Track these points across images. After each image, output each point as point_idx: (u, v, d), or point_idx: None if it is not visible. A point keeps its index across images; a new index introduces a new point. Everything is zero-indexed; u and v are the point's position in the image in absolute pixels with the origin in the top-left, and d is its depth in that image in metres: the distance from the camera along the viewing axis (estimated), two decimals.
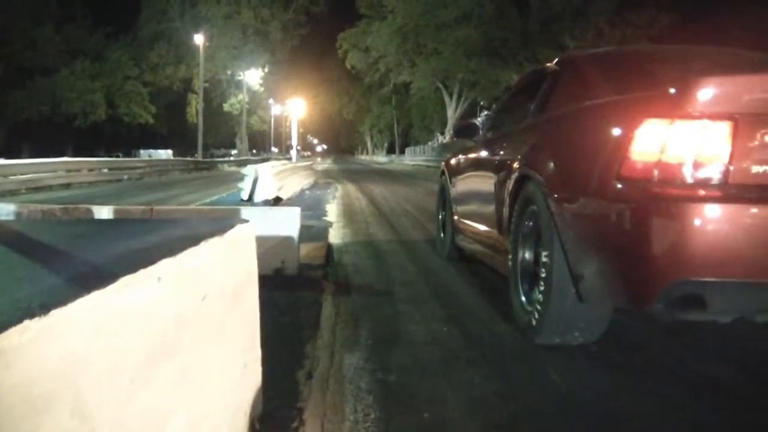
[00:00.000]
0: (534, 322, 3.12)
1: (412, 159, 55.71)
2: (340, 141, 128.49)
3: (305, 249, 5.28)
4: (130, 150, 56.66)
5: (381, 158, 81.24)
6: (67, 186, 19.52)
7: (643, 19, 32.44)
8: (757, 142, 2.35)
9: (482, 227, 4.46)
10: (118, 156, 46.24)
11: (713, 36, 20.07)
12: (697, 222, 2.30)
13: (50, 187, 18.42)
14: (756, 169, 2.35)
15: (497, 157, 4.22)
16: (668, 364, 2.98)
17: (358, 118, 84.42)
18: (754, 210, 2.31)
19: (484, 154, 4.68)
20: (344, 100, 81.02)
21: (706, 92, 2.36)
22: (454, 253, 5.55)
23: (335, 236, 7.38)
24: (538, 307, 3.08)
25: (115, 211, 4.93)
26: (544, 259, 3.08)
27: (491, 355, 3.05)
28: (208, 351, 1.67)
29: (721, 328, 3.24)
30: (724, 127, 2.34)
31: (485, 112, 34.31)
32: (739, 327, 2.80)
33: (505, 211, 3.75)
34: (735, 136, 2.33)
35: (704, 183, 2.37)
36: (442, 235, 6.02)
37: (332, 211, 10.78)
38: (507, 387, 2.63)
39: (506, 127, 4.57)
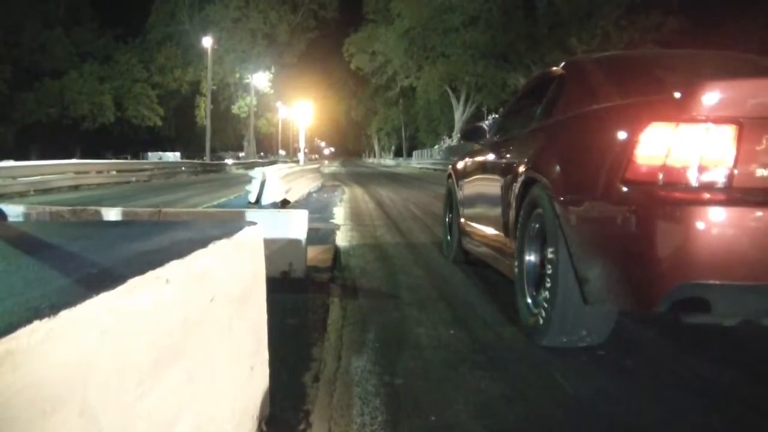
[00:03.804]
0: (539, 325, 3.13)
1: (419, 162, 55.76)
2: (347, 144, 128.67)
3: (312, 252, 5.28)
4: (138, 152, 56.83)
5: (388, 161, 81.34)
6: (76, 188, 19.62)
7: (651, 23, 32.34)
8: (761, 146, 2.36)
9: (489, 230, 4.46)
10: (126, 158, 46.38)
11: (720, 40, 20.04)
12: (701, 225, 2.31)
13: (59, 189, 18.52)
14: (760, 172, 2.36)
15: (504, 161, 4.23)
16: (673, 367, 2.97)
17: (366, 120, 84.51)
18: (758, 213, 2.32)
19: (491, 157, 4.68)
20: (352, 103, 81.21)
21: (711, 96, 2.37)
22: (461, 256, 5.55)
23: (342, 239, 7.38)
24: (544, 310, 3.09)
25: (124, 213, 4.95)
26: (549, 263, 3.10)
27: (497, 359, 3.05)
28: (216, 353, 1.67)
29: (724, 331, 3.25)
30: (729, 131, 2.35)
31: (492, 115, 34.26)
32: (742, 329, 2.80)
33: (512, 213, 3.76)
34: (739, 140, 2.34)
35: (709, 186, 2.38)
36: (448, 237, 6.02)
37: (339, 214, 10.78)
38: (513, 390, 2.62)
39: (513, 130, 4.57)
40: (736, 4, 28.21)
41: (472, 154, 5.41)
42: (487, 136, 5.11)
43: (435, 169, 39.30)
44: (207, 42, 44.98)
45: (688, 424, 2.37)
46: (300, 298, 4.07)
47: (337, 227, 8.59)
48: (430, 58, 44.95)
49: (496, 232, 4.23)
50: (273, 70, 60.07)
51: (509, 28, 37.58)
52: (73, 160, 25.03)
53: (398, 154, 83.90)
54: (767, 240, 2.32)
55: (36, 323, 0.94)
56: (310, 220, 5.05)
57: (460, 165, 5.74)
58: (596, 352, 3.06)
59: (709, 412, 2.47)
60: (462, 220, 5.40)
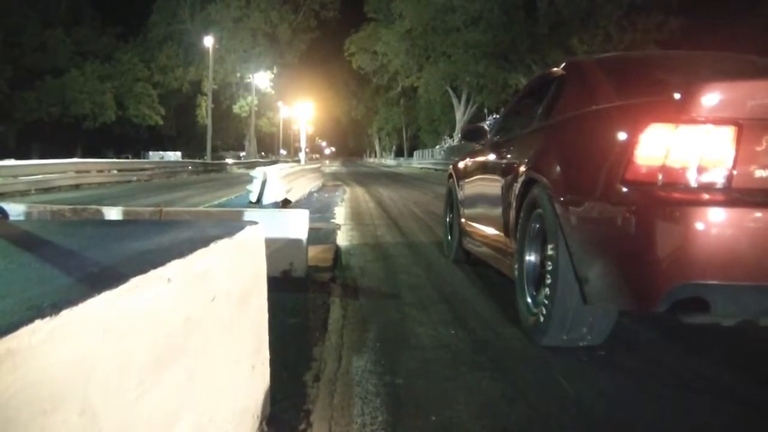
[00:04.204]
0: (539, 324, 3.15)
1: (420, 162, 55.75)
2: (348, 144, 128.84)
3: (313, 251, 5.28)
4: (139, 151, 56.87)
5: (389, 161, 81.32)
6: (77, 187, 19.62)
7: (652, 23, 32.29)
8: (760, 147, 2.39)
9: (489, 230, 4.47)
10: (127, 157, 46.40)
11: (721, 40, 20.02)
12: (700, 225, 2.33)
13: (59, 188, 18.53)
14: (759, 173, 2.39)
15: (504, 161, 4.24)
16: (674, 368, 2.97)
17: (367, 120, 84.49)
18: (757, 214, 2.34)
19: (491, 157, 4.69)
20: (353, 103, 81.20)
21: (710, 98, 2.39)
22: (462, 256, 5.55)
23: (343, 239, 7.38)
24: (544, 309, 3.11)
25: (124, 213, 4.95)
26: (549, 262, 3.11)
27: (498, 359, 3.04)
28: (216, 353, 1.67)
29: (725, 331, 3.26)
30: (728, 132, 2.38)
31: (494, 116, 34.26)
32: (743, 330, 2.86)
33: (512, 214, 3.77)
34: (738, 141, 2.37)
35: (708, 187, 2.41)
36: (449, 237, 6.03)
37: (340, 214, 10.78)
38: (514, 390, 2.62)
39: (513, 130, 4.59)
40: (737, 4, 28.20)
41: (472, 155, 5.41)
42: (488, 136, 5.12)
43: (436, 169, 39.31)
44: (208, 41, 44.93)
45: (689, 424, 2.36)
46: (301, 297, 4.07)
47: (338, 227, 8.59)
48: (432, 58, 44.91)
49: (496, 232, 4.24)
50: (274, 69, 60.07)
51: (510, 28, 37.51)
52: (74, 159, 25.00)
53: (399, 153, 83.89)
54: (766, 241, 2.34)
55: (37, 322, 0.94)
56: (311, 220, 5.06)
57: (460, 165, 5.74)
58: (597, 352, 3.07)
59: (710, 412, 2.47)
60: (463, 220, 5.41)
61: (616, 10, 32.98)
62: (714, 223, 2.33)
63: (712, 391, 2.70)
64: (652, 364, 3.05)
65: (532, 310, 3.35)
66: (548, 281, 3.10)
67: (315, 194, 16.28)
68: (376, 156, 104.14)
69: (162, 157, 47.94)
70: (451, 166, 6.22)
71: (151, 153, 54.50)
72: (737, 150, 2.37)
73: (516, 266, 3.63)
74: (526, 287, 3.48)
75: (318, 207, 11.97)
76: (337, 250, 6.21)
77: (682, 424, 2.36)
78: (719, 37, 22.42)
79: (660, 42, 31.06)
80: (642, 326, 3.64)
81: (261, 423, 2.06)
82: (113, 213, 4.87)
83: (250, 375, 1.98)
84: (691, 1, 31.19)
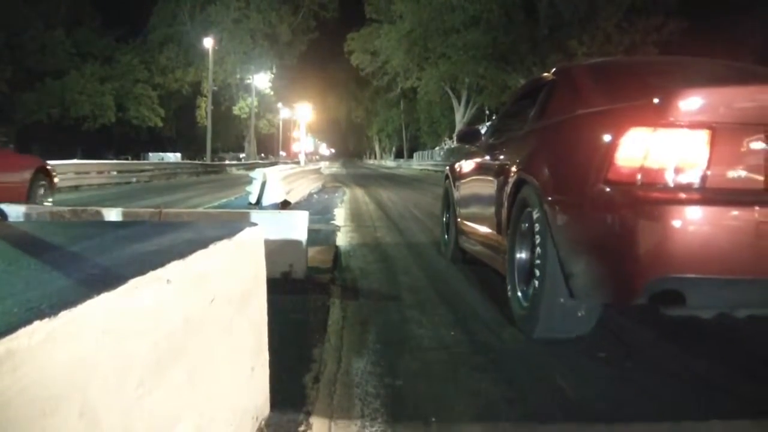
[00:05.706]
0: (529, 318, 3.29)
1: (419, 164, 55.81)
2: (348, 145, 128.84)
3: (313, 252, 5.28)
4: (139, 153, 56.86)
5: (389, 163, 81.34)
6: (76, 188, 19.61)
7: (652, 25, 32.31)
8: (732, 150, 2.54)
9: (483, 229, 4.58)
10: (127, 159, 46.38)
11: (722, 42, 20.02)
12: (677, 223, 2.48)
13: (59, 189, 18.46)
14: (731, 174, 2.54)
15: (497, 162, 4.37)
16: (674, 369, 2.97)
17: (367, 122, 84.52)
18: (730, 212, 2.49)
19: (485, 159, 4.84)
20: (352, 104, 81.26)
21: (686, 103, 2.55)
22: (458, 255, 5.63)
23: (343, 240, 7.38)
24: (533, 303, 3.25)
25: (124, 214, 4.95)
26: (538, 259, 3.24)
27: (498, 360, 3.05)
28: (216, 354, 1.67)
29: (725, 332, 3.29)
30: (703, 136, 2.53)
31: (494, 117, 34.26)
32: (742, 330, 2.97)
33: (504, 213, 3.92)
34: (712, 143, 2.52)
35: (684, 187, 2.56)
36: (446, 237, 6.12)
37: (340, 215, 10.78)
38: (514, 392, 2.62)
39: (506, 133, 4.72)
40: (737, 5, 28.21)
41: (468, 156, 5.56)
42: (482, 138, 5.27)
43: (435, 171, 39.32)
44: (208, 43, 44.97)
45: (690, 425, 2.37)
46: (300, 299, 4.07)
47: (338, 228, 8.59)
48: (431, 59, 44.89)
49: (489, 231, 4.36)
50: (273, 70, 60.11)
51: (510, 29, 37.54)
52: (74, 161, 24.95)
53: (399, 155, 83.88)
54: (738, 236, 2.49)
55: (36, 323, 0.94)
56: (311, 221, 5.06)
57: (456, 166, 5.88)
58: (596, 353, 3.08)
59: (710, 412, 2.46)
60: (459, 219, 5.51)
61: (616, 12, 33.00)
62: (690, 220, 2.48)
63: (712, 392, 2.70)
64: (652, 365, 3.05)
65: (522, 304, 3.48)
66: (536, 277, 3.23)
67: (315, 195, 16.27)
68: (376, 157, 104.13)
69: (162, 159, 47.93)
70: (447, 168, 6.37)
71: (150, 154, 54.50)
72: (711, 152, 2.52)
73: (507, 263, 3.74)
74: (516, 283, 3.61)
75: (318, 208, 11.96)
76: (337, 252, 6.21)
77: (681, 424, 2.36)
78: (719, 39, 22.42)
79: (659, 43, 31.09)
80: (641, 327, 3.64)
81: (260, 424, 2.06)
82: (113, 214, 4.88)
83: (250, 376, 1.98)
84: (690, 2, 31.23)
